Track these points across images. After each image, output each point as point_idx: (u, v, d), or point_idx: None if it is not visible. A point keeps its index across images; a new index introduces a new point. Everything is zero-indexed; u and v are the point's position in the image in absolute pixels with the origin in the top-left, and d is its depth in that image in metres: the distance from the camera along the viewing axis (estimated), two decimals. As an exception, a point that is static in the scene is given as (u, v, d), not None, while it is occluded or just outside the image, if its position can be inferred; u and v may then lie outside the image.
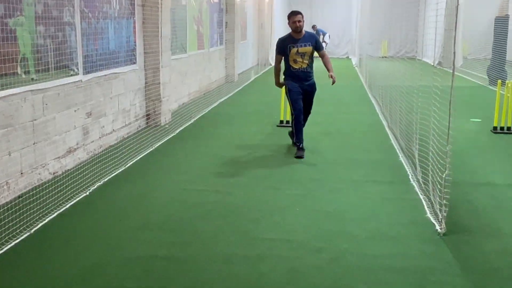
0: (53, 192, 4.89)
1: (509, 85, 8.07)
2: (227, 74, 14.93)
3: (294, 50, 6.66)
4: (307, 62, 6.71)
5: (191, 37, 11.05)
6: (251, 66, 18.85)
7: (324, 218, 4.58)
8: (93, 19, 6.39)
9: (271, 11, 21.46)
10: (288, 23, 6.76)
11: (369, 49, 15.22)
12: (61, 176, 5.48)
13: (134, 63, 7.79)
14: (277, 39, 7.05)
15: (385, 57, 13.74)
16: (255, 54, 20.29)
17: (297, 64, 6.71)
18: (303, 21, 6.73)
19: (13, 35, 4.77)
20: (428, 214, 4.60)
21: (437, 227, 4.29)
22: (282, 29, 21.93)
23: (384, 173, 5.99)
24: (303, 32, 6.74)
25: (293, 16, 6.70)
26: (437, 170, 4.59)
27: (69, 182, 5.24)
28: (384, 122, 8.94)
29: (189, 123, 8.89)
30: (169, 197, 5.04)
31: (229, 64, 15.05)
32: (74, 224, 4.37)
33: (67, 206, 4.75)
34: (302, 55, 6.68)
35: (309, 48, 6.68)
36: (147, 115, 8.38)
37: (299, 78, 6.72)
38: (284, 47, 6.73)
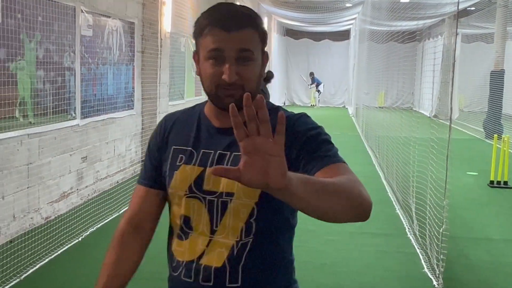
0: (45, 238, 4.82)
1: (505, 139, 8.12)
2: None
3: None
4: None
5: (188, 84, 11.15)
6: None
7: (318, 270, 4.50)
8: (93, 65, 6.45)
9: (269, 59, 21.78)
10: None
11: (366, 99, 15.37)
12: (54, 221, 5.42)
13: (132, 108, 7.82)
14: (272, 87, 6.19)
15: (382, 107, 13.87)
16: (253, 101, 20.41)
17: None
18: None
19: (13, 79, 4.80)
20: (425, 269, 4.54)
21: (434, 283, 4.22)
22: (280, 78, 22.22)
23: (381, 225, 5.93)
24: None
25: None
26: (434, 224, 4.55)
27: (62, 228, 5.17)
28: (381, 173, 8.93)
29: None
30: (164, 246, 4.96)
31: (226, 111, 15.14)
32: (65, 271, 4.28)
33: (59, 252, 4.67)
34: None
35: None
36: (143, 160, 8.35)
37: None
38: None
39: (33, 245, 4.63)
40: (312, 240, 5.30)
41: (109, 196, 6.32)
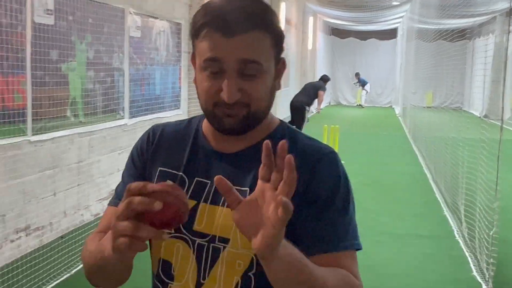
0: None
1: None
2: (269, 120, 15.00)
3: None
4: None
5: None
6: (293, 113, 18.92)
7: (363, 272, 4.44)
8: (141, 65, 6.57)
9: (314, 59, 21.69)
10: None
11: (413, 99, 15.11)
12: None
13: (178, 108, 7.93)
14: None
15: (430, 107, 13.61)
16: (298, 101, 20.38)
17: None
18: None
19: (65, 80, 4.94)
20: (474, 273, 4.43)
21: (484, 287, 4.12)
22: (325, 77, 22.09)
23: (428, 227, 5.83)
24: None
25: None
26: (484, 227, 4.44)
27: (110, 225, 5.28)
28: (428, 174, 8.76)
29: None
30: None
31: (271, 110, 15.15)
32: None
33: (107, 248, 4.78)
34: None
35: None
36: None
37: None
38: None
39: (83, 241, 4.75)
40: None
41: (156, 194, 6.43)
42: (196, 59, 1.12)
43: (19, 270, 3.98)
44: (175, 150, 1.21)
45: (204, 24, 1.08)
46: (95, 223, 5.31)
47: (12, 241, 4.34)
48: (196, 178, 1.16)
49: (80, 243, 4.68)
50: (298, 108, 10.99)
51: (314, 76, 21.28)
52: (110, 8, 5.68)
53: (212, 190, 1.13)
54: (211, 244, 1.11)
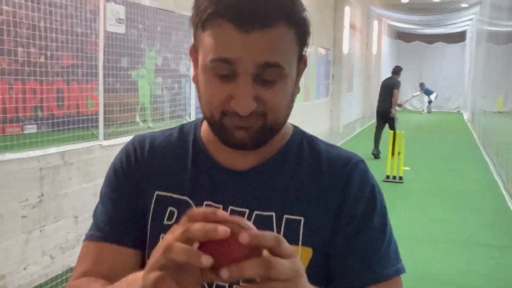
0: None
1: None
2: (331, 126, 14.93)
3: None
4: None
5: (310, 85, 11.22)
6: (356, 118, 18.73)
7: (433, 281, 4.35)
8: (207, 71, 6.70)
9: (379, 63, 21.38)
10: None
11: (483, 104, 14.62)
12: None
13: (243, 113, 8.01)
14: None
15: (501, 112, 13.13)
16: (361, 106, 20.18)
17: None
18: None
19: (135, 86, 5.11)
20: (549, 285, 4.24)
21: (560, 301, 3.94)
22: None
23: (498, 236, 5.62)
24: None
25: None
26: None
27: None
28: (500, 182, 8.45)
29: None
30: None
31: (334, 116, 15.07)
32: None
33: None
34: None
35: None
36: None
37: None
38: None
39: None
40: (423, 249, 5.13)
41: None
42: (200, 54, 0.89)
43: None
44: (172, 168, 0.97)
45: (214, 13, 0.84)
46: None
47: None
48: (204, 202, 0.94)
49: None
50: (384, 112, 10.62)
51: (379, 81, 20.99)
52: (178, 16, 5.83)
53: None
54: (234, 286, 0.88)
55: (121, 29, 4.80)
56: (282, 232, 0.91)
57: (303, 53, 0.91)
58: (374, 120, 11.45)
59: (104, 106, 4.62)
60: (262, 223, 0.89)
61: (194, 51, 0.93)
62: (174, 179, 0.96)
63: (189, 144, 1.00)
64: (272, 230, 0.90)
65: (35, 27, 3.79)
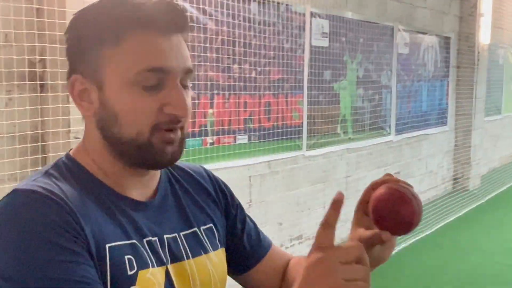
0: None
1: None
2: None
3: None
4: None
5: (506, 98, 10.39)
6: None
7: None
8: (408, 82, 6.55)
9: None
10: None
11: None
12: (368, 233, 5.63)
13: (445, 124, 7.66)
14: None
15: None
16: None
17: None
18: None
19: (336, 98, 5.20)
20: None
21: None
22: None
23: None
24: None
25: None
26: None
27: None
28: None
29: (500, 190, 8.26)
30: (480, 270, 4.73)
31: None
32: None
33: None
34: None
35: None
36: (455, 178, 8.09)
37: None
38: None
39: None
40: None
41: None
42: (108, 74, 0.83)
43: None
44: (99, 217, 0.84)
45: (131, 24, 0.82)
46: (360, 237, 5.41)
47: (287, 248, 4.70)
48: (144, 240, 0.88)
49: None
50: None
51: None
52: (380, 27, 5.80)
53: (166, 246, 0.90)
54: None
55: (325, 42, 4.92)
56: (206, 243, 0.97)
57: None
58: None
59: (308, 117, 4.77)
60: (192, 241, 0.94)
61: (84, 78, 0.85)
62: (108, 228, 0.85)
63: (89, 186, 0.87)
64: (202, 245, 0.96)
65: (247, 45, 4.07)
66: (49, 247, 0.76)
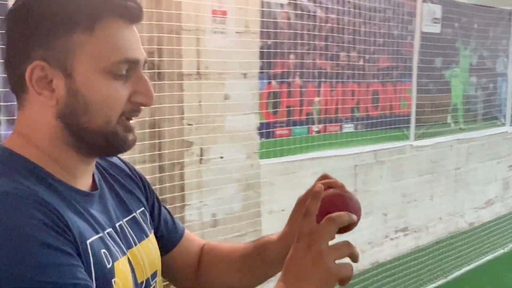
0: (470, 243, 4.86)
1: None
2: None
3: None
4: None
5: None
6: None
7: None
8: (526, 69, 6.15)
9: None
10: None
11: None
12: (478, 228, 5.40)
13: None
14: None
15: None
16: None
17: None
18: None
19: (447, 86, 4.99)
20: None
21: None
22: None
23: None
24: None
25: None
26: None
27: (486, 235, 5.13)
28: None
29: None
30: None
31: None
32: (491, 278, 4.25)
33: (483, 259, 4.66)
34: None
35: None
36: None
37: None
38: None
39: (458, 248, 4.73)
40: None
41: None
42: (84, 60, 0.81)
43: (396, 269, 4.21)
44: (68, 213, 0.81)
45: (104, 11, 0.81)
46: (470, 232, 5.21)
47: (391, 239, 4.62)
48: (105, 232, 0.88)
49: (455, 250, 4.68)
50: None
51: None
52: (497, 11, 5.48)
53: (121, 235, 0.91)
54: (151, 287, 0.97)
55: (436, 28, 4.74)
56: (144, 226, 0.99)
57: None
58: None
59: (417, 106, 4.63)
60: (134, 227, 0.96)
61: (52, 64, 0.80)
62: (82, 224, 0.82)
63: (44, 180, 0.82)
64: (143, 229, 0.99)
65: (355, 32, 4.01)
66: (46, 250, 0.73)
